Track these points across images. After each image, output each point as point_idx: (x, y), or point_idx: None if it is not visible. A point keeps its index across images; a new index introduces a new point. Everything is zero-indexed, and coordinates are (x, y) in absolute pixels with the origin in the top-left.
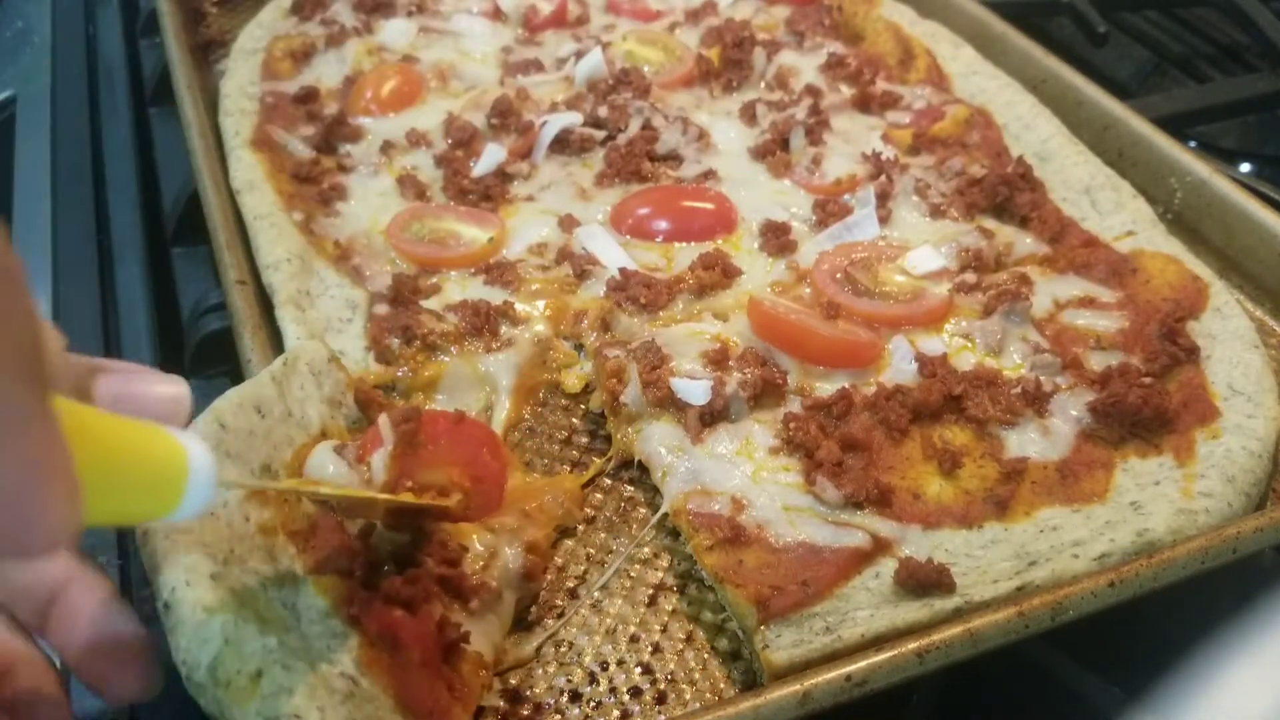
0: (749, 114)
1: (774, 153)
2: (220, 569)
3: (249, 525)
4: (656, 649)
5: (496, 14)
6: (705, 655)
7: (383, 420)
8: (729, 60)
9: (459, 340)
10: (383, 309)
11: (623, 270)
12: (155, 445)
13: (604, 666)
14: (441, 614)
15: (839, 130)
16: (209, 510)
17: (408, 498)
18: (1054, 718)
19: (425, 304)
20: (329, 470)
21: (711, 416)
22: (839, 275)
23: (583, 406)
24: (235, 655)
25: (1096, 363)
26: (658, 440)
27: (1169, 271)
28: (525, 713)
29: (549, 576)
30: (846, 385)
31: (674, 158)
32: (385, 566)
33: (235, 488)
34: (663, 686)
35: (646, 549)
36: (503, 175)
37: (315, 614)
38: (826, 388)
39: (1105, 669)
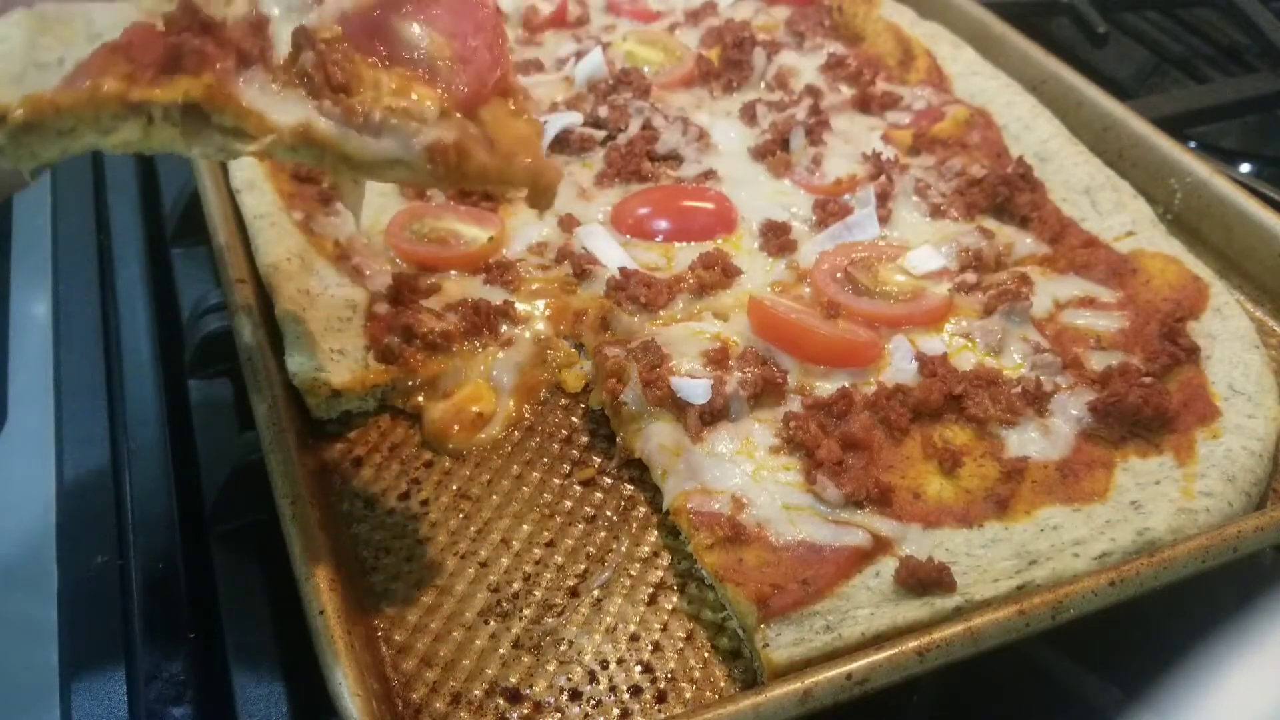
0: (749, 114)
1: (774, 153)
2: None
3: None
4: (657, 647)
5: None
6: (705, 654)
7: None
8: (729, 60)
9: (459, 339)
10: (382, 308)
11: (623, 270)
12: None
13: (604, 665)
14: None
15: (839, 130)
16: None
17: None
18: (1054, 718)
19: (425, 303)
20: None
21: (711, 415)
22: (839, 275)
23: (583, 406)
24: None
25: (1097, 363)
26: (658, 439)
27: (1169, 272)
28: (525, 711)
29: (543, 570)
30: (847, 385)
31: (674, 158)
32: None
33: None
34: (663, 685)
35: (647, 547)
36: None
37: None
38: (827, 387)
39: (1105, 669)
